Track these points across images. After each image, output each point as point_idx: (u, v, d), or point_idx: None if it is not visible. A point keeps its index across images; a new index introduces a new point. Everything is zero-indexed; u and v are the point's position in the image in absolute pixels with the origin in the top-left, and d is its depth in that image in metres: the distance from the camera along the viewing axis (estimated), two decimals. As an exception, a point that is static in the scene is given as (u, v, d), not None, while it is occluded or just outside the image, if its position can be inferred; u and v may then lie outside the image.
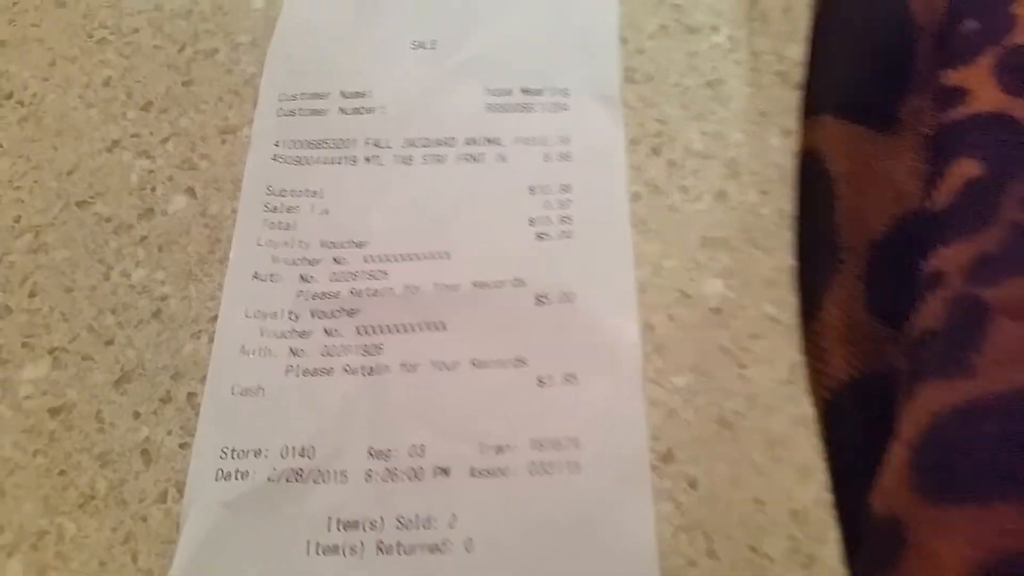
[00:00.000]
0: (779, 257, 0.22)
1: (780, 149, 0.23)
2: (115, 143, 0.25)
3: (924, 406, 0.16)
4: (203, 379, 0.21)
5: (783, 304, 0.21)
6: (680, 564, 0.19)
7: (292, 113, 0.24)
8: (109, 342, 0.22)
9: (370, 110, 0.24)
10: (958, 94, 0.21)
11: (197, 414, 0.21)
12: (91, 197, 0.24)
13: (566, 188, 0.23)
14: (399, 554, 0.19)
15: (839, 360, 0.19)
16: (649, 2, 0.26)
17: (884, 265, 0.20)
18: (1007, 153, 0.19)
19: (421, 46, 0.25)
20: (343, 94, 0.25)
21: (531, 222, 0.22)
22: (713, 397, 0.20)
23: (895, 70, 0.23)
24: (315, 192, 0.23)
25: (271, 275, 0.22)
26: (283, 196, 0.23)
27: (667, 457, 0.20)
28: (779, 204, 0.23)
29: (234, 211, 0.23)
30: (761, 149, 0.24)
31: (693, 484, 0.19)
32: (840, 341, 0.19)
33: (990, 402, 0.15)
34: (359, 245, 0.22)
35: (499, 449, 0.19)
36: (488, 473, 0.19)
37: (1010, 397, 0.15)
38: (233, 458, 0.20)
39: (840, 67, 0.23)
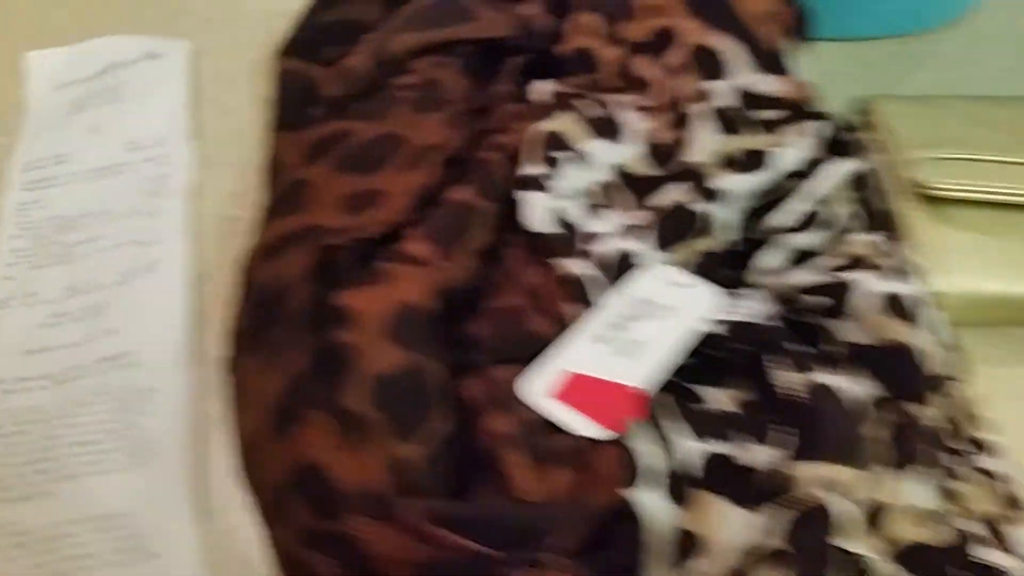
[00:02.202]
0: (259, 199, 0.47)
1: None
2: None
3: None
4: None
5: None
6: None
7: (31, 169, 0.49)
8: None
9: (68, 161, 0.49)
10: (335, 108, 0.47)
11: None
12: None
13: (163, 177, 0.48)
14: (80, 321, 0.42)
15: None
16: (208, 106, 0.53)
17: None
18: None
19: (94, 130, 0.50)
20: (56, 156, 0.49)
21: (150, 191, 0.47)
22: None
23: (305, 107, 0.49)
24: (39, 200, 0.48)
25: (20, 235, 0.46)
26: (26, 203, 0.47)
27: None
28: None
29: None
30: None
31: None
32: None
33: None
34: (60, 217, 0.46)
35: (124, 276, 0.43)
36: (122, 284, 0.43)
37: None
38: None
39: (280, 109, 0.49)
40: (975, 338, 0.40)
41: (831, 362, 0.35)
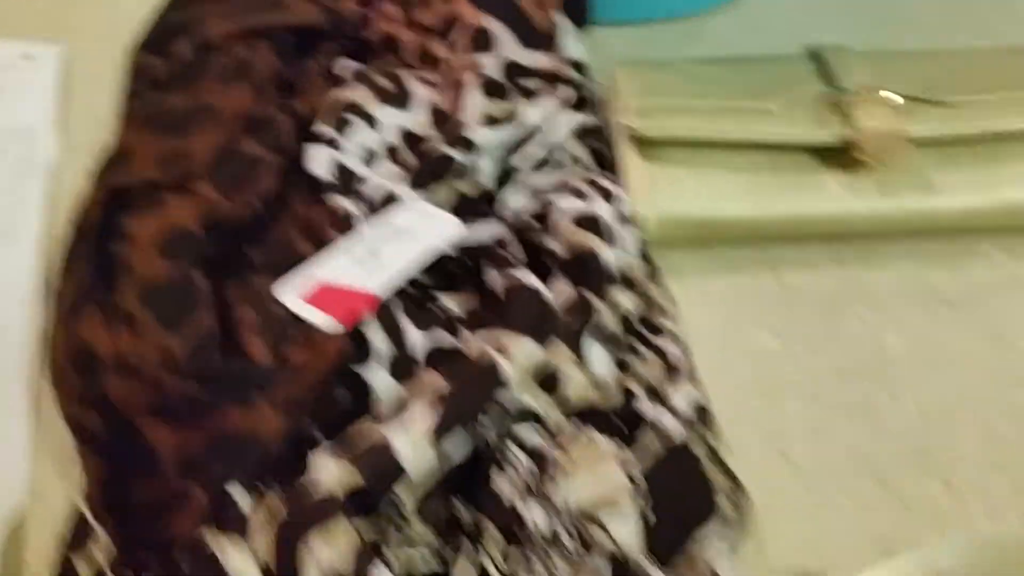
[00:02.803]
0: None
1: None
2: None
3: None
4: None
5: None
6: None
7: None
8: None
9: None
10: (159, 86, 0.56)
11: None
12: None
13: (28, 160, 0.56)
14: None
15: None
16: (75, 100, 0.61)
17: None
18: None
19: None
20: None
21: (16, 173, 0.55)
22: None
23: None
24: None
25: None
26: None
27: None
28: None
29: None
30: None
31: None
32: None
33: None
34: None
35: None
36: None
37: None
38: None
39: (127, 96, 0.57)
40: (682, 254, 0.49)
41: (535, 267, 0.43)
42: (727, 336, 0.46)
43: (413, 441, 0.34)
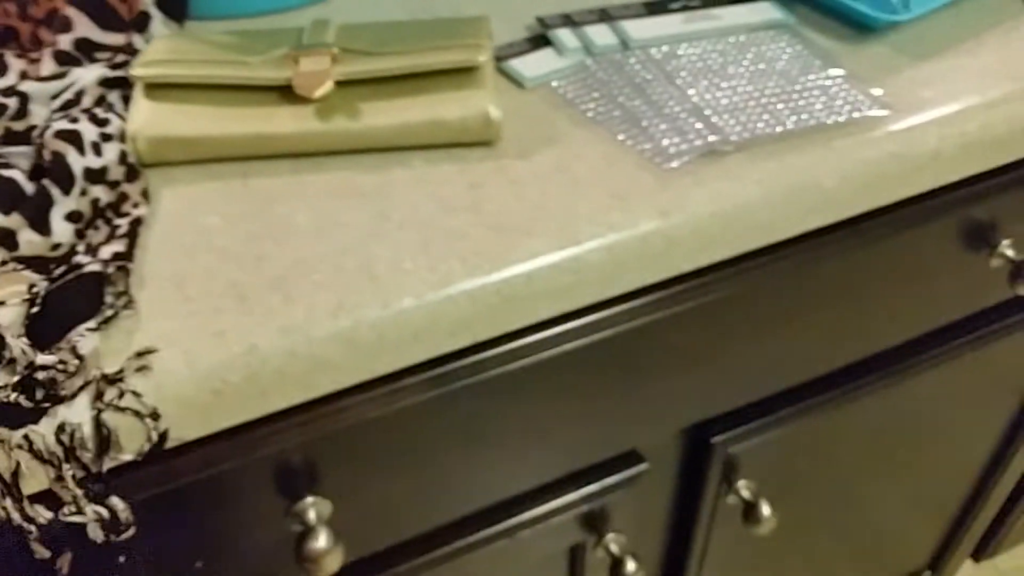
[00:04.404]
0: None
1: None
2: None
3: None
4: None
5: None
6: None
7: None
8: None
9: None
10: None
11: None
12: None
13: None
14: None
15: None
16: None
17: None
18: None
19: None
20: None
21: None
22: None
23: None
24: None
25: None
26: None
27: None
28: None
29: None
30: None
31: None
32: None
33: None
34: None
35: None
36: None
37: None
38: None
39: None
40: (181, 168, 0.65)
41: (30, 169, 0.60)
42: (185, 218, 0.62)
43: None
